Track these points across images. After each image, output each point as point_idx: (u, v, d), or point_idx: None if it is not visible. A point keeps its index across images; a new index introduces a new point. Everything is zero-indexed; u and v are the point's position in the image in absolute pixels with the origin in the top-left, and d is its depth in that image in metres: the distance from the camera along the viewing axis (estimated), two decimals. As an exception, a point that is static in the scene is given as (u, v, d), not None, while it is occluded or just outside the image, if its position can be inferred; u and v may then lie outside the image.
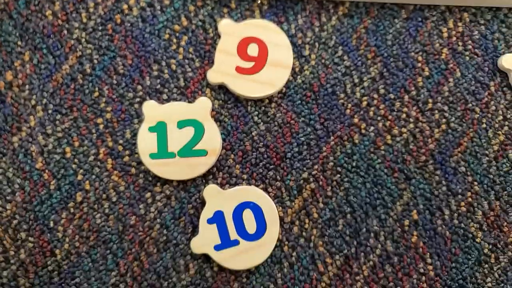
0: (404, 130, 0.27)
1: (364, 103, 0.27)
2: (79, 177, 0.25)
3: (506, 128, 0.27)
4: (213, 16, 0.27)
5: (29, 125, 0.26)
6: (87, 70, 0.26)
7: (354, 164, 0.26)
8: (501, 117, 0.27)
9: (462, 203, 0.26)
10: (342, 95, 0.27)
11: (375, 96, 0.27)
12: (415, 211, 0.26)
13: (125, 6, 0.26)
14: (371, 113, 0.27)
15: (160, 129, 0.25)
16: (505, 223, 0.26)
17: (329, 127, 0.26)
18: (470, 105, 0.27)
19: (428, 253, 0.26)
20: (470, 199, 0.26)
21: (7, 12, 0.26)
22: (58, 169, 0.25)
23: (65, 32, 0.26)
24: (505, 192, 0.27)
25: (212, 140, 0.25)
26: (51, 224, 0.25)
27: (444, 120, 0.27)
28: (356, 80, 0.27)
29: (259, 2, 0.27)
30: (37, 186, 0.25)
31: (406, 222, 0.26)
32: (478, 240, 0.26)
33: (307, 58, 0.27)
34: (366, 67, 0.27)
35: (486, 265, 0.26)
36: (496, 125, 0.27)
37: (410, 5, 0.27)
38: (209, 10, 0.27)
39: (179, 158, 0.25)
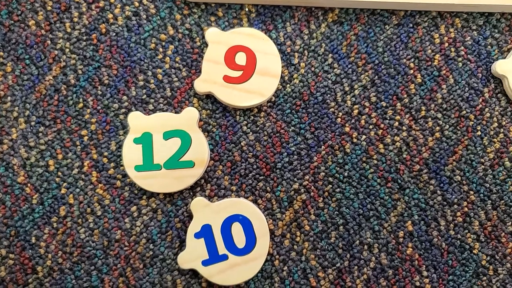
0: (397, 138, 0.26)
1: (356, 111, 0.26)
2: (63, 190, 0.25)
3: (501, 135, 0.26)
4: (200, 24, 0.26)
5: (11, 137, 0.25)
6: (71, 81, 0.25)
7: (346, 174, 0.25)
8: (496, 124, 0.26)
9: (458, 213, 0.26)
10: (332, 104, 0.26)
11: (367, 104, 0.26)
12: (409, 222, 0.25)
13: (110, 16, 0.26)
14: (362, 122, 0.26)
15: (145, 140, 0.24)
16: (503, 234, 0.26)
17: (319, 136, 0.26)
18: (464, 112, 0.26)
19: (424, 266, 0.25)
20: (466, 209, 0.26)
21: (-11, 22, 0.26)
22: (41, 183, 0.25)
23: (49, 42, 0.26)
24: (502, 201, 0.26)
25: (200, 151, 0.24)
26: (33, 240, 0.24)
27: (438, 128, 0.26)
28: (347, 88, 0.26)
29: (246, 10, 0.26)
30: (18, 201, 0.24)
31: (401, 234, 0.25)
32: (475, 251, 0.25)
33: (296, 66, 0.26)
34: (357, 75, 0.26)
35: (485, 278, 0.25)
36: (491, 132, 0.26)
37: (401, 11, 0.27)
38: (195, 19, 0.26)
39: (165, 170, 0.24)
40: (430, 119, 0.26)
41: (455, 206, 0.26)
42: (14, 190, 0.25)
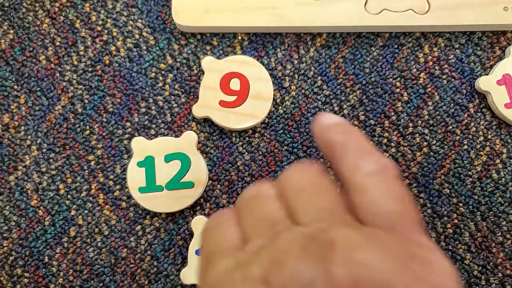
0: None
1: (345, 130, 0.27)
2: (73, 212, 0.26)
3: (487, 148, 0.27)
4: (196, 53, 0.28)
5: (25, 164, 0.27)
6: (78, 109, 0.27)
7: (338, 190, 0.27)
8: (482, 138, 0.27)
9: (449, 225, 0.27)
10: (323, 123, 0.27)
11: (356, 122, 0.27)
12: (401, 234, 0.26)
13: (113, 48, 0.28)
14: (352, 140, 0.27)
15: (148, 163, 0.26)
16: (494, 244, 0.26)
17: (311, 155, 0.27)
18: (450, 127, 0.27)
19: (417, 277, 0.26)
20: (456, 221, 0.27)
21: (4, 58, 0.28)
22: (52, 206, 0.26)
23: (58, 74, 0.28)
24: (491, 212, 0.27)
25: (199, 172, 0.26)
26: (46, 259, 0.26)
27: (425, 143, 0.27)
28: (336, 108, 0.28)
29: (239, 38, 0.28)
30: (32, 223, 0.26)
31: (393, 246, 0.26)
32: (467, 262, 0.26)
33: (287, 89, 0.28)
34: (345, 95, 0.28)
35: (477, 287, 0.26)
36: (478, 146, 0.27)
37: (386, 33, 0.28)
38: (192, 48, 0.28)
39: (166, 191, 0.26)
40: (417, 135, 0.27)
41: (445, 218, 0.27)
42: (28, 213, 0.26)
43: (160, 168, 0.26)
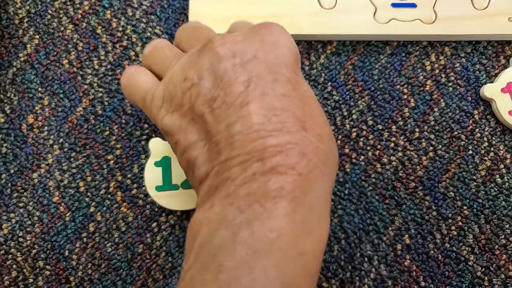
0: (393, 158, 0.28)
1: (354, 134, 0.28)
2: (92, 209, 0.28)
3: (492, 154, 0.28)
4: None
5: (47, 162, 0.28)
6: (98, 111, 0.29)
7: (346, 192, 0.28)
8: (486, 144, 0.28)
9: (453, 227, 0.27)
10: (332, 127, 0.28)
11: (364, 127, 0.28)
12: (407, 235, 0.27)
13: (132, 53, 0.29)
14: (360, 144, 0.28)
15: (164, 163, 0.27)
16: (497, 246, 0.27)
17: (321, 158, 0.28)
18: (455, 133, 0.28)
19: (422, 277, 0.27)
20: (460, 223, 0.28)
21: (29, 62, 0.29)
22: (72, 202, 0.28)
23: (79, 78, 0.29)
24: (495, 215, 0.28)
25: (212, 172, 0.27)
26: (66, 253, 0.27)
27: (431, 148, 0.28)
28: (345, 113, 0.29)
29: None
30: (54, 218, 0.28)
31: (399, 247, 0.27)
32: (470, 263, 0.27)
33: (299, 94, 0.29)
34: (354, 101, 0.29)
35: (480, 288, 0.27)
36: (482, 151, 0.28)
37: (394, 42, 0.29)
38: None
39: (182, 189, 0.27)
40: (423, 140, 0.28)
41: (450, 221, 0.28)
42: (50, 208, 0.28)
43: (176, 168, 0.27)
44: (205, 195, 0.18)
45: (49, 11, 0.30)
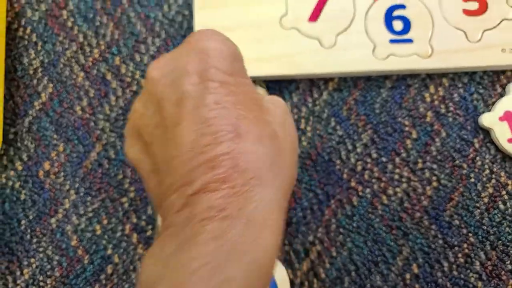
0: (398, 190, 0.29)
1: (359, 167, 0.29)
2: (109, 251, 0.29)
3: (493, 181, 0.29)
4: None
5: (65, 207, 0.29)
6: (111, 155, 0.30)
7: (355, 225, 0.29)
8: (488, 171, 0.29)
9: (460, 255, 0.28)
10: (338, 162, 0.29)
11: (369, 160, 0.29)
12: (415, 265, 0.28)
13: (142, 97, 0.31)
14: (366, 176, 0.29)
15: (177, 205, 0.28)
16: (503, 272, 0.28)
17: (329, 192, 0.29)
18: (457, 162, 0.29)
19: (432, 305, 0.28)
20: (466, 251, 0.28)
21: (44, 110, 0.31)
22: (90, 245, 0.29)
23: (92, 123, 0.30)
24: (500, 241, 0.28)
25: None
26: (86, 296, 0.28)
27: (434, 177, 0.29)
28: (350, 147, 0.30)
29: (258, 85, 0.30)
30: (73, 262, 0.29)
31: (408, 276, 0.28)
32: (479, 289, 0.28)
33: (303, 130, 0.30)
34: (358, 135, 0.30)
35: (490, 314, 0.28)
36: (484, 179, 0.29)
37: (393, 76, 0.30)
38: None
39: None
40: (426, 170, 0.29)
41: (456, 248, 0.28)
42: (69, 252, 0.29)
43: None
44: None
45: (62, 60, 0.31)
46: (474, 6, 0.30)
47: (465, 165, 0.29)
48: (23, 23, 0.32)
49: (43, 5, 0.32)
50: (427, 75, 0.30)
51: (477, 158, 0.29)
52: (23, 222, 0.29)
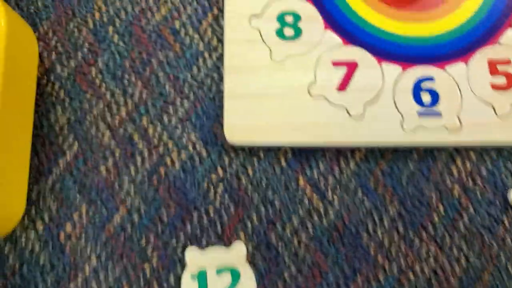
0: (426, 267, 0.28)
1: (386, 241, 0.29)
2: (127, 320, 0.28)
3: (523, 261, 0.28)
4: (245, 165, 0.30)
5: (84, 273, 0.29)
6: (135, 220, 0.29)
7: (381, 301, 0.28)
8: (517, 250, 0.29)
9: (490, 338, 0.27)
10: (365, 235, 0.29)
11: (395, 234, 0.29)
12: None
13: (168, 160, 0.30)
14: (393, 252, 0.29)
15: (201, 278, 0.27)
16: None
17: (355, 266, 0.28)
18: (486, 239, 0.29)
19: None
20: (497, 334, 0.27)
21: (68, 170, 0.30)
22: (108, 313, 0.28)
23: (117, 185, 0.30)
24: (531, 325, 0.28)
25: (248, 284, 0.27)
26: None
27: (463, 256, 0.29)
28: (377, 221, 0.29)
29: (283, 151, 0.30)
30: (89, 331, 0.28)
31: None
32: None
33: (330, 201, 0.30)
34: (385, 207, 0.29)
35: None
36: (514, 258, 0.29)
37: (420, 148, 0.30)
38: (241, 160, 0.30)
39: (218, 303, 0.27)
40: (454, 247, 0.29)
41: (486, 332, 0.27)
42: (86, 321, 0.28)
43: (212, 281, 0.27)
44: None
45: (88, 118, 0.31)
46: (502, 80, 0.31)
47: (494, 244, 0.29)
48: (52, 78, 0.32)
49: (73, 61, 0.33)
50: (455, 148, 0.30)
51: (507, 236, 0.29)
52: (40, 287, 0.28)
